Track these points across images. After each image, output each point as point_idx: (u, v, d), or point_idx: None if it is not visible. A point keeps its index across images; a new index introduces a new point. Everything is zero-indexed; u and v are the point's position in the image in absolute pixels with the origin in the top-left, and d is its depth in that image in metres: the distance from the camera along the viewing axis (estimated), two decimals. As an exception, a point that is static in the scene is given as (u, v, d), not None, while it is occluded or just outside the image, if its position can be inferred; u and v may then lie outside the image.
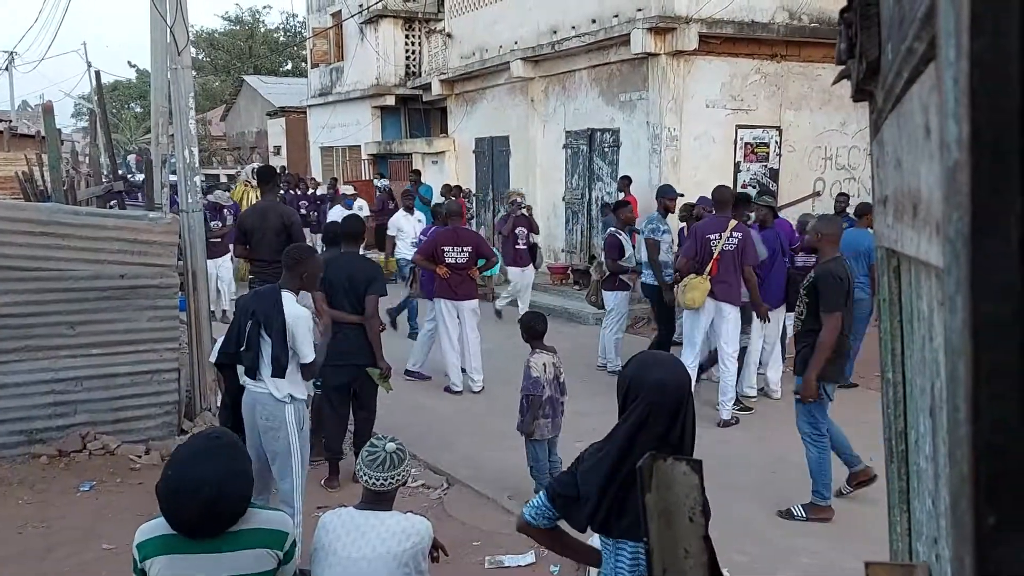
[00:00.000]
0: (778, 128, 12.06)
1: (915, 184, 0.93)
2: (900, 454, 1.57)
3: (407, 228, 11.18)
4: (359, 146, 21.53)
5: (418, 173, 16.27)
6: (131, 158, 40.93)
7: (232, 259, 11.10)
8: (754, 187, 11.82)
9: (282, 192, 14.07)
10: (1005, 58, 0.60)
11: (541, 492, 2.71)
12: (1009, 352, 0.60)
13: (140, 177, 18.28)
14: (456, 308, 8.07)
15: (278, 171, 10.85)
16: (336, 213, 12.67)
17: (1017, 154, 0.60)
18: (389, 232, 11.47)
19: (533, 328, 5.57)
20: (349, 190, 15.55)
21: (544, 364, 5.38)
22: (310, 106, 24.93)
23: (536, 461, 5.41)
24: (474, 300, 8.18)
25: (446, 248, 7.94)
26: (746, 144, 11.92)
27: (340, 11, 21.62)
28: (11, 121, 32.35)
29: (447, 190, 14.76)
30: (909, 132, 0.96)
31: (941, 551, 1.12)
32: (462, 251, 7.96)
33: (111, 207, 11.78)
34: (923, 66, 0.85)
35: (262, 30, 47.27)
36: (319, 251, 6.77)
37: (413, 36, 20.46)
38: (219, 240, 10.80)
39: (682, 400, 2.50)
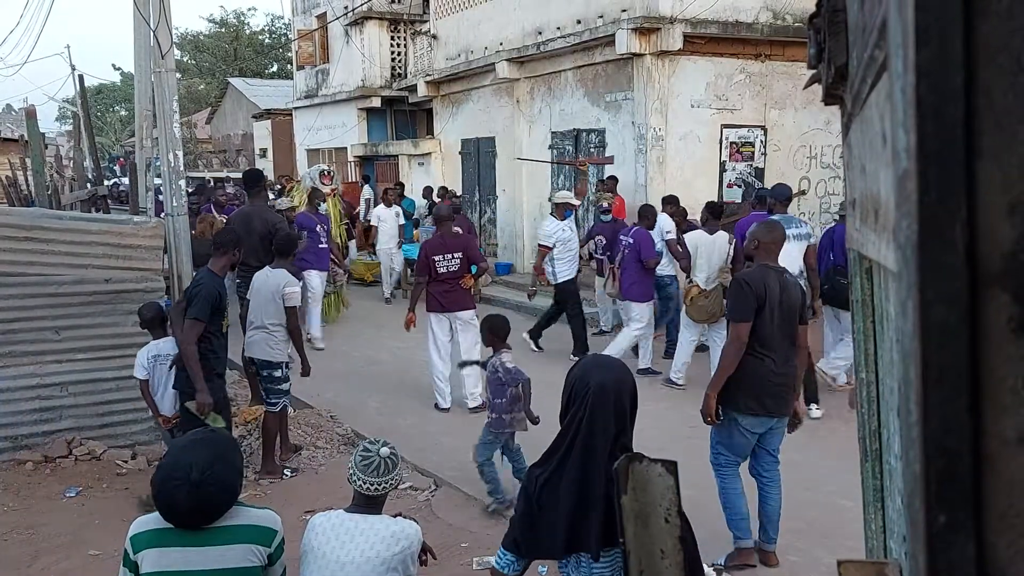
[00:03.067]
0: (763, 127, 12.10)
1: (876, 189, 0.95)
2: (874, 452, 1.59)
3: (387, 219, 13.03)
4: (345, 148, 21.49)
5: (402, 186, 16.07)
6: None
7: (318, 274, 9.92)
8: (739, 186, 11.89)
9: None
10: (950, 70, 0.62)
11: (500, 548, 2.64)
12: (957, 356, 0.62)
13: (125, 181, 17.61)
14: (448, 319, 7.62)
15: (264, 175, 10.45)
16: None
17: (962, 163, 0.62)
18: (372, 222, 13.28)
19: (503, 330, 5.66)
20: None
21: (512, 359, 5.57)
22: (296, 108, 24.84)
23: (515, 460, 5.57)
24: (469, 310, 7.67)
25: (436, 258, 7.48)
26: (731, 144, 11.96)
27: (325, 13, 21.57)
28: (-6, 125, 32.16)
29: (428, 192, 14.73)
30: (870, 138, 0.98)
31: (910, 548, 1.14)
32: (452, 258, 7.49)
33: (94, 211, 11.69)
34: (881, 75, 0.86)
35: (247, 32, 47.02)
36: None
37: (398, 38, 20.44)
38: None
39: (623, 402, 2.50)
